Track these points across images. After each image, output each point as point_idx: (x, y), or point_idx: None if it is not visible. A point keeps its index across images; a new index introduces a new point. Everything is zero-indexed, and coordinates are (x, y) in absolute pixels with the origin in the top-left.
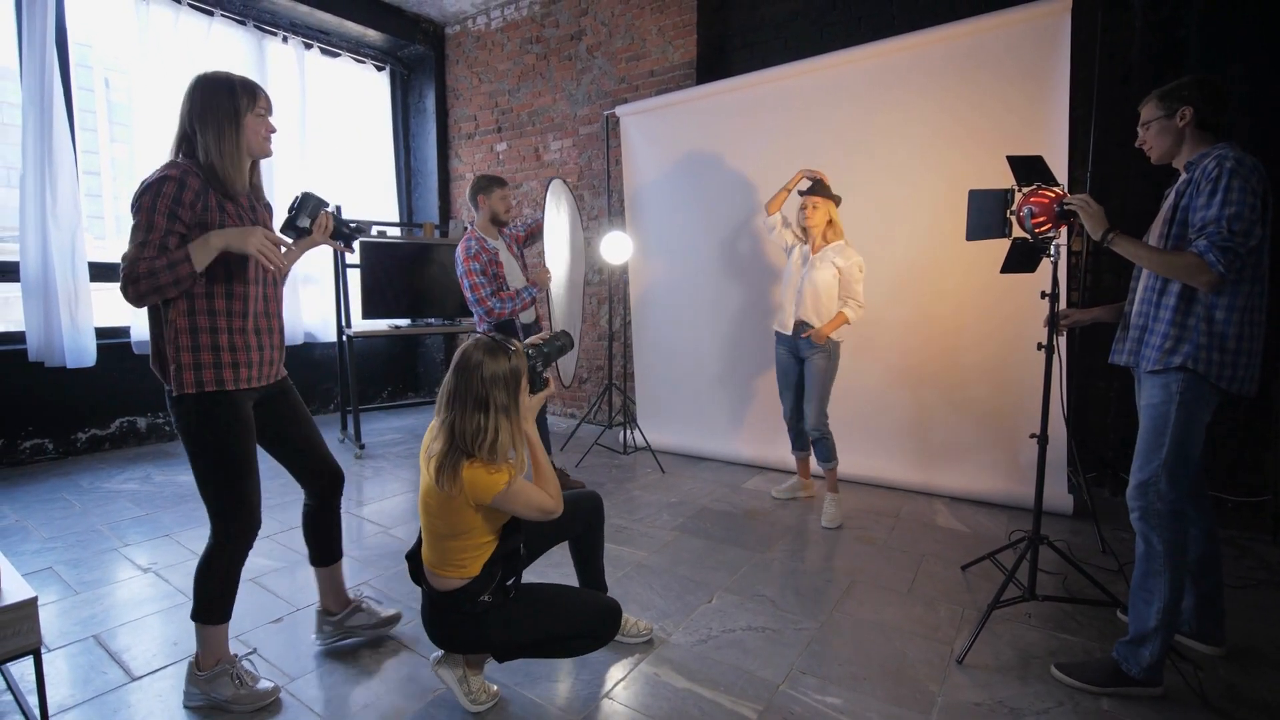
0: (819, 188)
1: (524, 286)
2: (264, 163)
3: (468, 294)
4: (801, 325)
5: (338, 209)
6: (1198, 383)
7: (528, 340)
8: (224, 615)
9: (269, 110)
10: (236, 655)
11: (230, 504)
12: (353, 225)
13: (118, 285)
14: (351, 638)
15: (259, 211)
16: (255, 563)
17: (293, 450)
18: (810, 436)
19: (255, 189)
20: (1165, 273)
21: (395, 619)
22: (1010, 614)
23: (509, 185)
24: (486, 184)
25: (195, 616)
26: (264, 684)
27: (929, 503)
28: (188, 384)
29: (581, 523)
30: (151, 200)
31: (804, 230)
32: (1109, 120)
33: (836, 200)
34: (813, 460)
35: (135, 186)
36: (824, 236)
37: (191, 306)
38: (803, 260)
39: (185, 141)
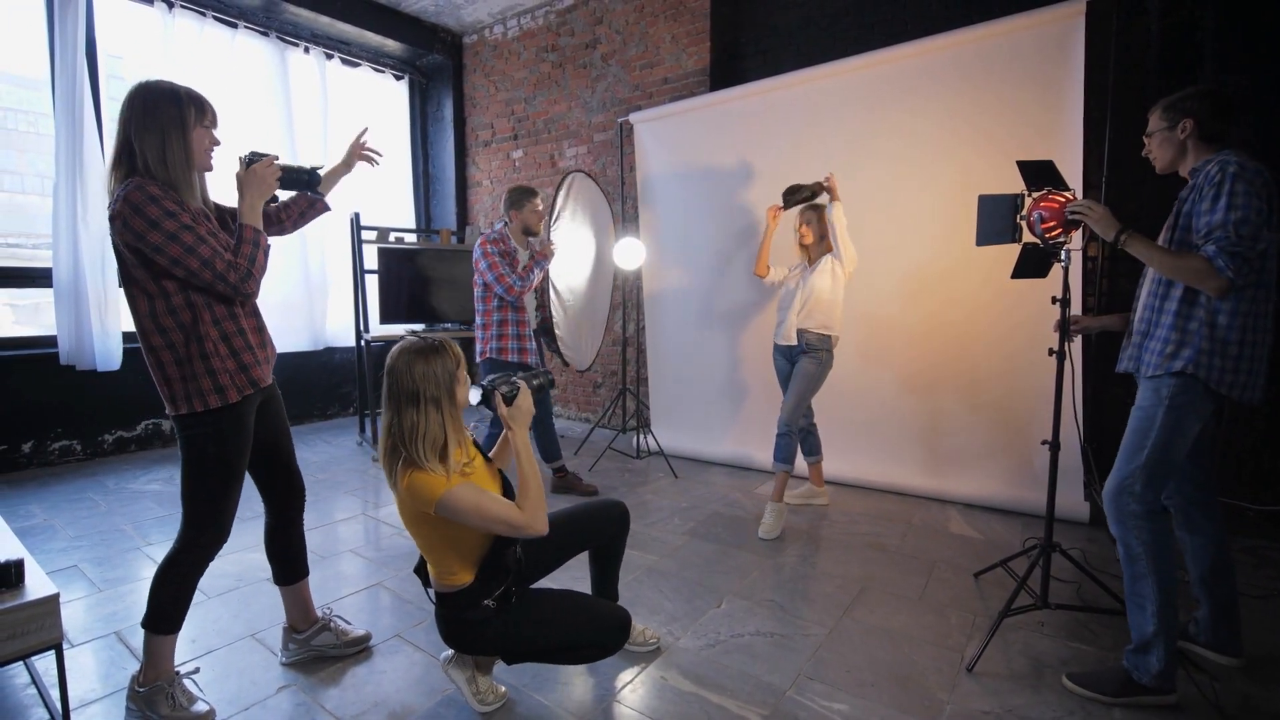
0: (800, 200)
1: (535, 262)
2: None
3: (488, 274)
4: (803, 334)
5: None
6: (1191, 387)
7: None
8: (173, 626)
9: (215, 124)
10: (179, 672)
11: (211, 515)
12: (309, 168)
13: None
14: (318, 656)
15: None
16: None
17: (273, 463)
18: (776, 430)
19: (209, 206)
20: (1173, 275)
21: (364, 639)
22: (1023, 622)
23: (540, 195)
24: (518, 197)
25: (146, 624)
26: (200, 706)
27: (942, 509)
28: (211, 400)
29: (606, 533)
30: (176, 227)
31: (802, 249)
32: (1125, 125)
33: (817, 199)
34: (823, 464)
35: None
36: (817, 250)
37: (214, 315)
38: (801, 273)
39: (125, 154)
